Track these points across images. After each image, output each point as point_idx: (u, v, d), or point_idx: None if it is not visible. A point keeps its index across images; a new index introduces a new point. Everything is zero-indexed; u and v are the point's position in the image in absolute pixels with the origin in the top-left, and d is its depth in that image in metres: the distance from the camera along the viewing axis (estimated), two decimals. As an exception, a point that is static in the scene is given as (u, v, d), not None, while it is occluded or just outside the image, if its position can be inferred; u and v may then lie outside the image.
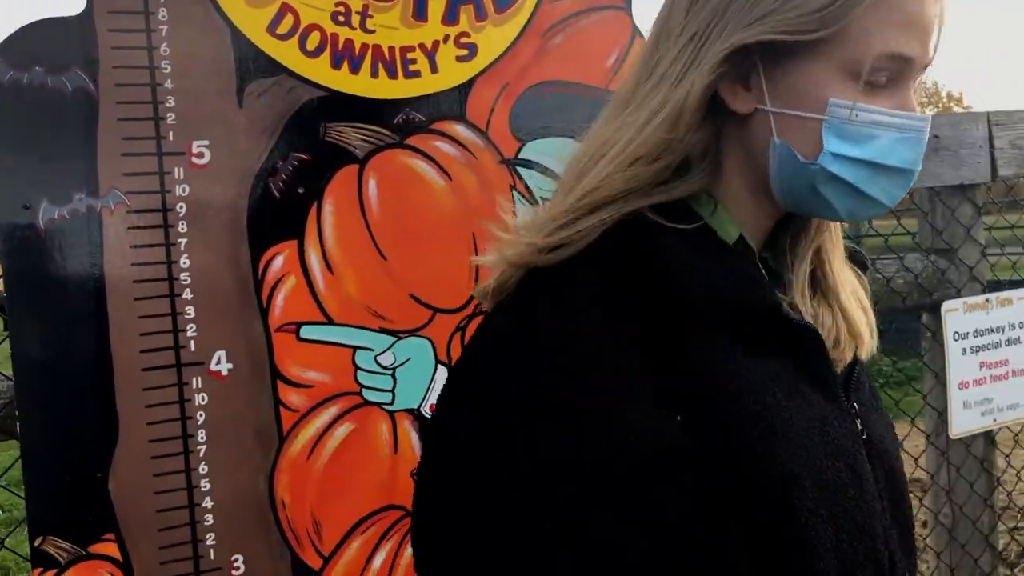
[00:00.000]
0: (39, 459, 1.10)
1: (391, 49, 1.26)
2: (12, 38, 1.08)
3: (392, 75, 1.26)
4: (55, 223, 1.10)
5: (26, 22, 1.10)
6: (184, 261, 1.16)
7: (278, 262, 1.21)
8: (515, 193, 1.33)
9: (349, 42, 1.23)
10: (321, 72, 1.22)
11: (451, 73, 1.29)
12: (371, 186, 1.25)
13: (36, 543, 1.10)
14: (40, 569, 1.10)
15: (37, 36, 1.09)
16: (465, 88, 1.30)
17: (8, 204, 1.08)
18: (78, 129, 1.10)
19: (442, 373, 1.29)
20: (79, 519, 1.11)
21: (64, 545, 1.11)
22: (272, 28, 1.19)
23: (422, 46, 1.28)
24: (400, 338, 1.27)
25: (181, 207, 1.15)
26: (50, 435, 1.10)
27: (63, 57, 1.10)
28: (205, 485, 1.17)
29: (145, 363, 1.14)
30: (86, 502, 1.11)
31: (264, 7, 1.19)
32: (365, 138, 1.25)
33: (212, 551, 1.17)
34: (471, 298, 1.31)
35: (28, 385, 1.10)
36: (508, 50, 1.33)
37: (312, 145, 1.22)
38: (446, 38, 1.29)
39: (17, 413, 1.10)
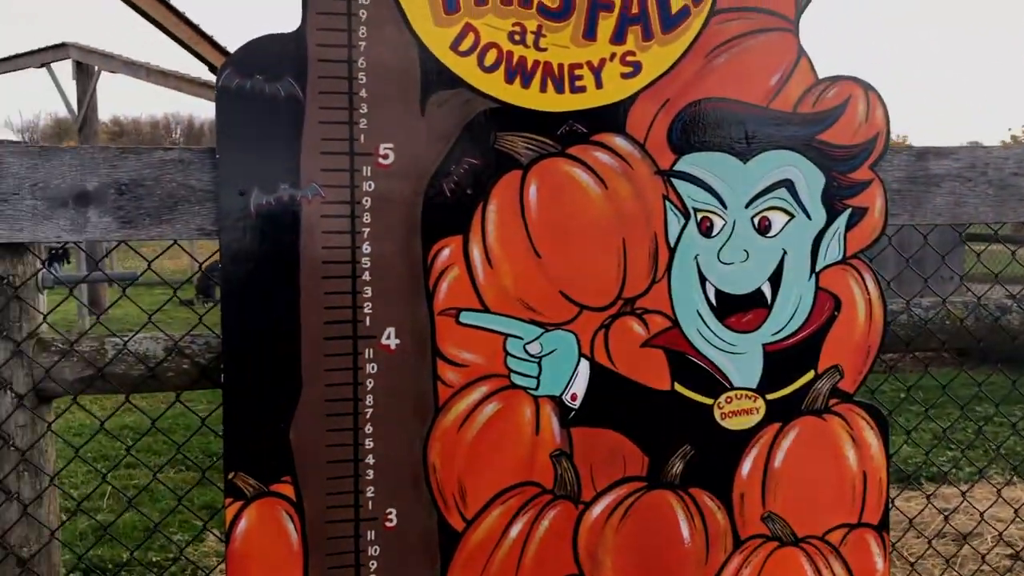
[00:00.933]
0: (236, 406, 1.31)
1: (560, 66, 1.37)
2: (240, 51, 1.29)
3: (559, 90, 1.38)
4: (263, 208, 1.30)
5: (251, 36, 1.30)
6: (366, 247, 1.33)
7: (445, 253, 1.35)
8: (667, 203, 1.42)
9: (523, 59, 1.36)
10: (495, 86, 1.35)
11: (615, 88, 1.39)
12: (532, 190, 1.37)
13: (229, 476, 1.31)
14: (231, 499, 1.31)
15: (259, 49, 1.29)
16: (627, 103, 1.40)
17: (228, 190, 1.29)
18: (287, 129, 1.30)
19: (584, 366, 1.40)
20: (264, 461, 1.31)
21: (251, 481, 1.31)
22: (455, 45, 1.34)
23: (589, 63, 1.38)
24: (548, 330, 1.39)
25: (366, 201, 1.32)
26: (246, 387, 1.30)
27: (279, 68, 1.29)
28: (369, 444, 1.34)
29: (327, 333, 1.32)
30: (270, 447, 1.31)
31: (449, 26, 1.34)
32: (530, 146, 1.37)
33: (371, 502, 1.34)
34: (616, 298, 1.41)
35: (232, 343, 1.30)
36: (672, 68, 1.41)
37: (483, 151, 1.35)
38: (612, 56, 1.39)
39: (222, 367, 1.31)
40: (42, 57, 12.34)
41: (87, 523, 3.46)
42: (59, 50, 11.95)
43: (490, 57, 1.35)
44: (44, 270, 1.31)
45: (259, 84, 1.29)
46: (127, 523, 3.54)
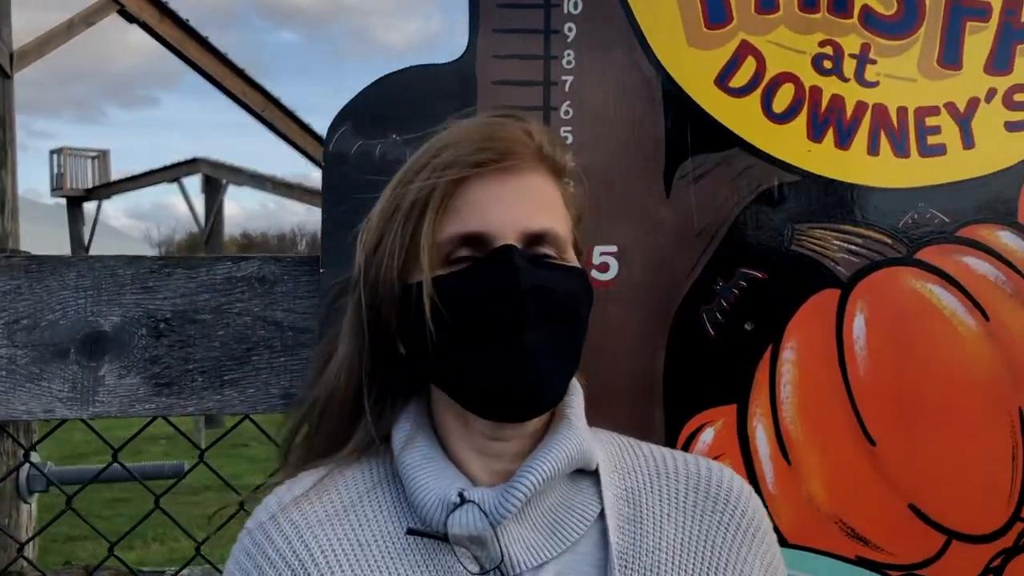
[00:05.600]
0: None
1: (901, 111, 0.80)
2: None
3: (900, 151, 0.80)
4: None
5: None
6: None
7: (707, 436, 0.78)
8: (1097, 348, 0.80)
9: (837, 100, 0.79)
10: (792, 146, 0.79)
11: (996, 148, 0.81)
12: (857, 324, 0.79)
13: None
14: None
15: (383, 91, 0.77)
16: (1018, 173, 0.81)
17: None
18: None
19: (960, 644, 0.77)
20: None
21: None
22: (723, 79, 0.79)
23: (950, 107, 0.81)
24: (891, 577, 0.77)
25: (570, 342, 0.76)
26: None
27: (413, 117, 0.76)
28: None
29: None
30: None
31: (714, 47, 0.79)
32: (852, 248, 0.79)
33: None
34: (1012, 519, 0.78)
35: None
36: (1090, 115, 0.82)
37: (771, 257, 0.78)
38: (990, 94, 0.81)
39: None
40: (175, 172, 12.68)
41: None
42: (191, 165, 12.27)
43: (783, 97, 0.79)
44: (27, 464, 0.78)
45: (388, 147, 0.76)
46: None
